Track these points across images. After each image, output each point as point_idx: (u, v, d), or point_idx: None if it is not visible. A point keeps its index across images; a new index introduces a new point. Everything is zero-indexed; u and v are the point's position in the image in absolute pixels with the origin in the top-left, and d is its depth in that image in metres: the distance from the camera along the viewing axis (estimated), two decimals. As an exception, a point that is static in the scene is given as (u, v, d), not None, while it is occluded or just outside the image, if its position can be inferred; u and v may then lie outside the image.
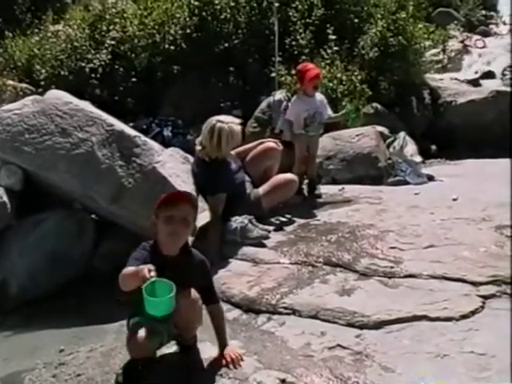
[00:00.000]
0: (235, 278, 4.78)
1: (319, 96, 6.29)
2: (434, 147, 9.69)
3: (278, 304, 4.33)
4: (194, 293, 3.58)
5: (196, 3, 10.53)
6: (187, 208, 3.56)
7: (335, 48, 9.38)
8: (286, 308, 4.29)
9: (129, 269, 3.35)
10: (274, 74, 9.01)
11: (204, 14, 10.49)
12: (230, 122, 5.43)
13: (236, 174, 5.57)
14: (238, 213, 5.32)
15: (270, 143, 5.99)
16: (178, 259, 3.55)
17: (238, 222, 5.25)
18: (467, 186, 6.19)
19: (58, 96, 5.96)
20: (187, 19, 10.49)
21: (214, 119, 5.44)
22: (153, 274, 3.17)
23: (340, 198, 6.11)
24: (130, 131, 5.78)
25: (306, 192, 6.18)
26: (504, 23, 16.67)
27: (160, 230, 3.55)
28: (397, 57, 10.01)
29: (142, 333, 3.48)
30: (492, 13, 17.68)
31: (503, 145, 8.52)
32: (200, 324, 3.74)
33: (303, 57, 9.20)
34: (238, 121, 5.57)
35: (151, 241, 3.64)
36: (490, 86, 11.42)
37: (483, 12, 17.17)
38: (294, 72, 6.66)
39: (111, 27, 10.74)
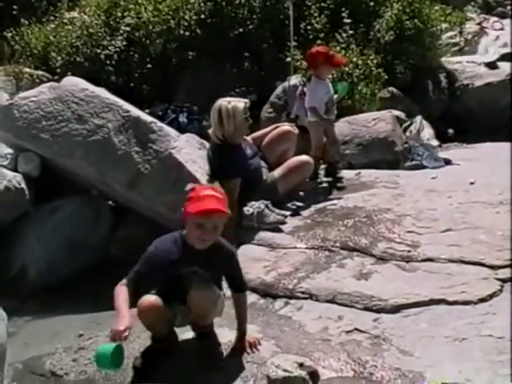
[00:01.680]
0: (252, 263, 4.78)
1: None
2: (450, 131, 9.60)
3: (295, 288, 4.35)
4: (207, 285, 3.57)
5: (210, -12, 10.50)
6: (218, 217, 3.53)
7: (350, 32, 9.27)
8: (303, 292, 4.30)
9: (120, 305, 3.45)
10: (289, 59, 8.97)
11: (218, -1, 10.46)
12: (233, 100, 5.48)
13: (251, 160, 5.57)
14: (255, 198, 5.33)
15: (286, 126, 6.02)
16: (207, 252, 3.55)
17: (254, 207, 5.26)
18: (484, 169, 6.14)
19: (74, 83, 5.99)
20: (202, 5, 10.44)
21: (220, 99, 5.49)
22: (126, 334, 3.28)
23: (356, 183, 6.10)
24: (146, 117, 5.80)
25: (322, 177, 6.15)
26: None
27: (189, 229, 3.55)
28: (413, 40, 9.91)
29: (152, 298, 3.58)
30: (510, -6, 17.43)
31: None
32: (217, 315, 3.75)
33: (318, 41, 9.11)
34: (244, 100, 5.57)
35: (181, 232, 3.66)
36: (507, 68, 11.30)
37: (501, -8, 16.94)
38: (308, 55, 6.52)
39: (126, 13, 10.70)
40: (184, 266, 3.58)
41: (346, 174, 6.31)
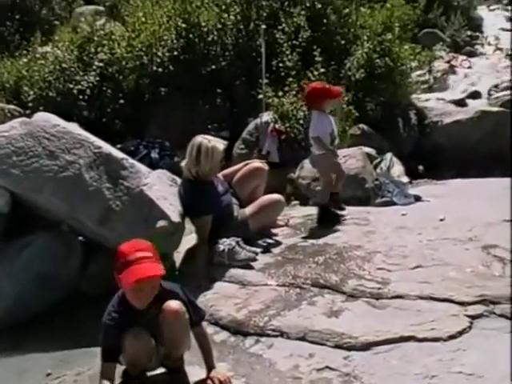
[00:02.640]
0: (223, 300, 4.77)
1: None
2: (420, 167, 9.73)
3: (265, 326, 4.33)
4: (179, 306, 3.61)
5: (183, 25, 10.60)
6: (156, 278, 3.59)
7: (322, 69, 9.40)
8: (273, 330, 4.28)
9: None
10: (261, 96, 9.06)
11: (191, 36, 10.56)
12: (213, 140, 5.52)
13: (222, 197, 5.59)
14: (226, 235, 5.33)
15: (256, 163, 6.05)
16: (150, 305, 3.62)
17: (225, 244, 5.25)
18: (454, 205, 6.21)
19: (45, 118, 5.96)
20: (174, 41, 10.56)
21: (200, 136, 5.54)
22: None
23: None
24: (117, 154, 5.78)
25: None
26: (489, 44, 16.85)
27: (127, 293, 3.60)
28: (383, 78, 10.09)
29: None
30: (477, 33, 17.86)
31: (489, 164, 8.59)
32: (187, 345, 3.75)
33: (290, 78, 9.25)
34: (223, 142, 5.62)
35: (119, 295, 3.70)
36: (475, 105, 11.52)
37: (468, 33, 17.33)
38: (304, 91, 6.42)
39: (99, 49, 10.79)
40: (139, 319, 3.63)
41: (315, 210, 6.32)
